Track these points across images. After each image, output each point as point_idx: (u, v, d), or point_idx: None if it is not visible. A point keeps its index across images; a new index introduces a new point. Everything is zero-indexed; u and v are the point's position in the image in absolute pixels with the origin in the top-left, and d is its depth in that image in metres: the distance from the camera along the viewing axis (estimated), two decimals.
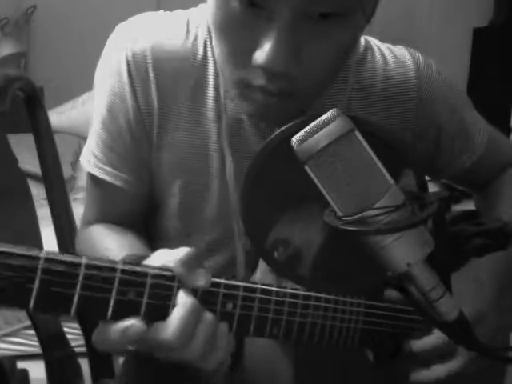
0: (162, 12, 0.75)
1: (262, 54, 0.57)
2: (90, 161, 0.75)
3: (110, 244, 0.72)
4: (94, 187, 0.78)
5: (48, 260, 0.47)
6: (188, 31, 0.72)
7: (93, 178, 0.77)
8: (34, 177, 1.52)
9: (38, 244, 0.91)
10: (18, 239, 0.85)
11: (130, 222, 0.78)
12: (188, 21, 0.73)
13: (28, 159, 1.31)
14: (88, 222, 0.80)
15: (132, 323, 0.49)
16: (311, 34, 0.57)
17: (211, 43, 0.71)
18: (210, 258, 0.78)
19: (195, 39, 0.72)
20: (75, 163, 2.44)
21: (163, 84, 0.71)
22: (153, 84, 0.71)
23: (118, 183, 0.74)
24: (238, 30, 0.59)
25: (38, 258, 0.46)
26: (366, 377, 0.67)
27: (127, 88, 0.71)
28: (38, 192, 1.46)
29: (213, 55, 0.71)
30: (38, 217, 0.92)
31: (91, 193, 0.79)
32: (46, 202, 0.92)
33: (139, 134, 0.72)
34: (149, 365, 0.80)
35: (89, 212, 0.80)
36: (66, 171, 2.25)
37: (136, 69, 0.70)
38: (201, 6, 0.75)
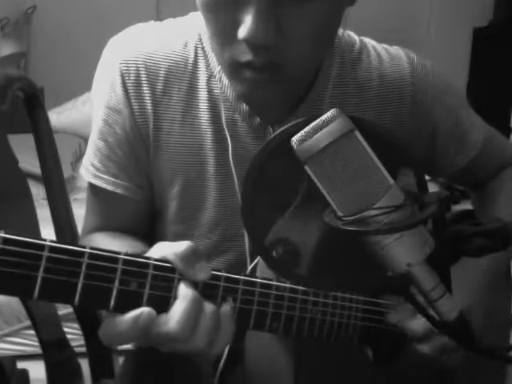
0: (152, 22, 0.77)
1: (243, 28, 0.58)
2: (89, 171, 0.77)
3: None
4: (95, 196, 0.79)
5: (53, 249, 0.47)
6: (178, 38, 0.74)
7: (93, 188, 0.78)
8: (34, 177, 1.52)
9: None
10: None
11: (132, 229, 0.79)
12: (178, 29, 0.75)
13: (28, 159, 1.31)
14: (89, 231, 0.80)
15: (142, 311, 0.50)
16: (290, 5, 0.58)
17: (203, 49, 0.73)
18: (214, 259, 0.78)
19: (185, 45, 0.74)
20: (75, 163, 2.44)
21: (156, 90, 0.72)
22: (146, 91, 0.72)
23: (117, 191, 0.75)
24: (221, 8, 0.60)
25: (43, 247, 0.47)
26: (366, 374, 0.67)
27: (122, 99, 0.72)
28: (37, 192, 1.46)
29: (205, 60, 0.73)
30: (37, 217, 0.92)
31: (92, 202, 0.81)
32: (45, 202, 0.92)
33: (136, 142, 0.74)
34: (148, 365, 0.80)
35: (90, 221, 0.81)
36: (66, 171, 2.25)
37: (129, 78, 0.72)
38: (191, 14, 0.77)
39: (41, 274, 0.47)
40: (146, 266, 0.51)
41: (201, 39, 0.74)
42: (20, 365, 0.99)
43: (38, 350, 0.89)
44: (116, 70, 0.72)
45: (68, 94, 2.70)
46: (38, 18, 2.79)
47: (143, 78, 0.72)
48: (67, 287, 0.48)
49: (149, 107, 0.72)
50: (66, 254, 0.48)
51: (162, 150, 0.74)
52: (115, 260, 0.50)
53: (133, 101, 0.72)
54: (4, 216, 0.80)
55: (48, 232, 0.92)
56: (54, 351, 0.88)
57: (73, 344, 0.93)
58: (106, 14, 2.74)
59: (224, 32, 0.61)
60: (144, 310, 0.50)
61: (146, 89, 0.72)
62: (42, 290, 0.47)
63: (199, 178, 0.75)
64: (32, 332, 0.96)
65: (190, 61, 0.73)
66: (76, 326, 1.01)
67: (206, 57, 0.73)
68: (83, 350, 0.93)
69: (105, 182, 0.76)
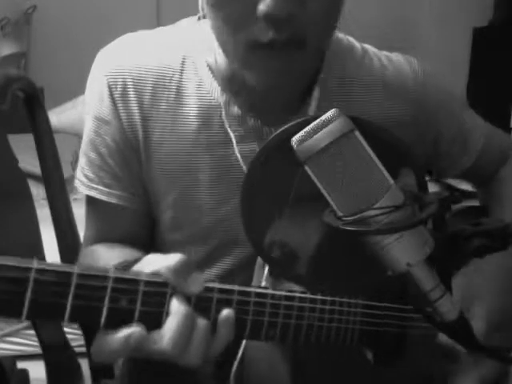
0: (140, 32, 0.77)
1: (264, 4, 0.57)
2: (83, 182, 0.77)
3: (109, 260, 0.71)
4: (92, 208, 0.80)
5: (39, 271, 0.47)
6: (165, 49, 0.74)
7: (89, 199, 0.79)
8: (34, 177, 1.52)
9: (39, 244, 0.91)
10: (18, 239, 0.85)
11: (131, 239, 0.78)
12: (165, 39, 0.75)
13: (28, 159, 1.31)
14: (89, 243, 0.80)
15: (133, 330, 0.50)
16: None
17: (191, 58, 0.73)
18: (213, 265, 0.78)
19: (172, 55, 0.74)
20: (75, 163, 2.44)
21: (144, 101, 0.73)
22: (134, 102, 0.73)
23: (112, 201, 0.76)
24: None
25: (29, 269, 0.46)
26: (365, 377, 0.67)
27: (110, 110, 0.73)
28: (37, 192, 1.46)
29: (193, 68, 0.73)
30: (38, 217, 0.92)
31: (90, 213, 0.81)
32: (46, 202, 0.92)
33: (127, 152, 0.74)
34: (148, 366, 0.80)
35: (89, 233, 0.82)
36: (66, 171, 2.24)
37: (116, 89, 0.73)
38: (182, 21, 0.77)
39: (28, 296, 0.46)
40: (137, 282, 0.51)
41: (189, 48, 0.74)
42: (20, 365, 0.99)
43: (38, 350, 0.89)
44: (104, 82, 0.73)
45: (68, 94, 2.70)
46: (38, 18, 2.79)
47: (130, 89, 0.73)
48: (56, 308, 0.48)
49: (137, 117, 0.73)
50: (54, 276, 0.47)
51: (153, 159, 0.74)
52: (105, 278, 0.49)
53: (121, 111, 0.73)
54: (4, 216, 0.80)
55: (48, 232, 0.92)
56: (54, 351, 0.88)
57: (73, 344, 0.93)
58: (106, 14, 2.74)
59: (239, 16, 0.60)
60: (135, 330, 0.50)
61: (133, 99, 0.73)
62: (30, 312, 0.46)
63: (193, 185, 0.75)
64: (32, 332, 0.96)
65: (177, 70, 0.73)
66: (76, 325, 1.01)
67: (194, 64, 0.73)
68: (83, 350, 0.93)
69: (99, 193, 0.76)
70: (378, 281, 0.57)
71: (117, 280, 0.50)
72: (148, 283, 0.51)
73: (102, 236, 0.79)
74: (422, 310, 0.55)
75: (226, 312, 0.54)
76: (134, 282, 0.50)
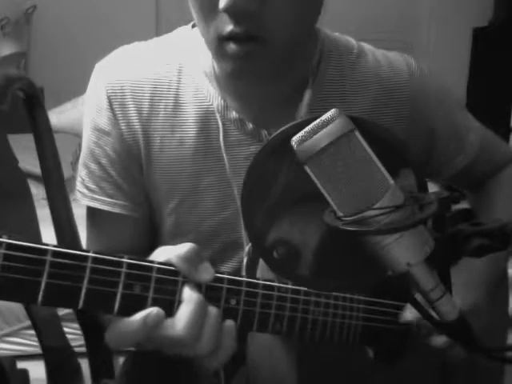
0: (136, 43, 0.78)
1: None
2: (85, 194, 0.78)
3: None
4: (94, 219, 0.80)
5: (56, 253, 0.47)
6: (161, 59, 0.75)
7: (91, 211, 0.79)
8: (34, 177, 1.52)
9: None
10: None
11: (134, 249, 0.78)
12: (161, 49, 0.76)
13: (28, 159, 1.31)
14: None
15: (151, 310, 0.50)
16: None
17: (187, 66, 0.74)
18: (218, 266, 0.78)
19: (168, 64, 0.75)
20: (75, 163, 2.44)
21: (143, 110, 0.74)
22: (133, 112, 0.73)
23: (116, 211, 0.76)
24: None
25: (46, 252, 0.47)
26: (368, 374, 0.67)
27: (109, 120, 0.74)
28: (37, 192, 1.46)
29: (190, 76, 0.74)
30: (38, 217, 0.92)
31: (92, 226, 0.81)
32: (46, 202, 0.92)
33: (128, 161, 0.75)
34: (148, 365, 0.80)
35: (91, 246, 0.81)
36: (66, 171, 2.24)
37: (115, 99, 0.73)
38: (173, 32, 0.78)
39: (44, 279, 0.47)
40: (150, 269, 0.51)
41: (184, 57, 0.75)
42: (20, 365, 0.99)
43: (38, 350, 0.89)
44: (102, 93, 0.74)
45: (68, 94, 2.70)
46: (38, 18, 2.79)
47: (129, 100, 0.73)
48: (71, 292, 0.48)
49: (137, 127, 0.74)
50: (70, 259, 0.48)
51: (154, 166, 0.75)
52: (119, 264, 0.50)
53: (121, 121, 0.74)
54: (4, 216, 0.80)
55: (48, 232, 0.92)
56: (54, 352, 0.88)
57: (73, 344, 0.93)
58: (105, 14, 2.74)
59: (207, 9, 0.62)
60: (153, 310, 0.50)
61: (132, 109, 0.73)
62: (45, 295, 0.47)
63: (195, 190, 0.75)
64: (32, 332, 0.96)
65: (174, 79, 0.74)
66: (76, 326, 1.01)
67: (191, 72, 0.74)
68: (83, 349, 0.93)
69: (102, 203, 0.76)
70: (378, 281, 0.57)
71: (131, 266, 0.50)
72: (160, 270, 0.52)
73: (106, 247, 0.79)
74: (422, 309, 0.55)
75: (228, 322, 0.54)
76: (147, 268, 0.51)
